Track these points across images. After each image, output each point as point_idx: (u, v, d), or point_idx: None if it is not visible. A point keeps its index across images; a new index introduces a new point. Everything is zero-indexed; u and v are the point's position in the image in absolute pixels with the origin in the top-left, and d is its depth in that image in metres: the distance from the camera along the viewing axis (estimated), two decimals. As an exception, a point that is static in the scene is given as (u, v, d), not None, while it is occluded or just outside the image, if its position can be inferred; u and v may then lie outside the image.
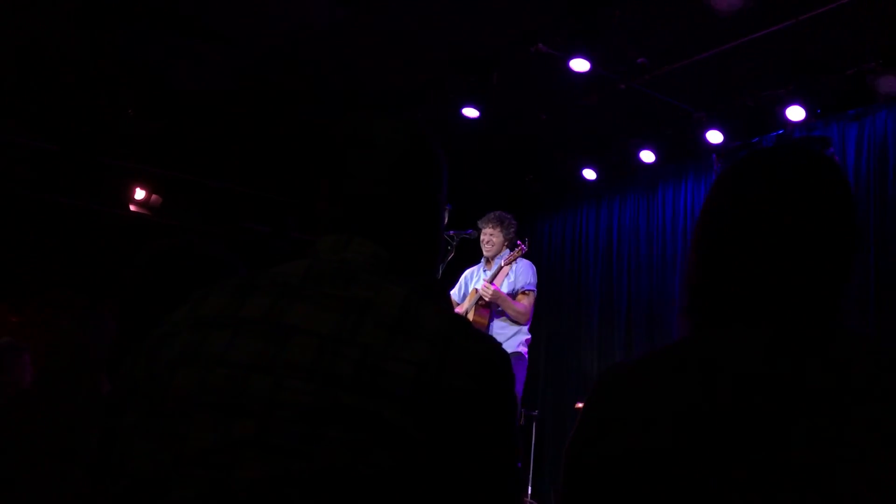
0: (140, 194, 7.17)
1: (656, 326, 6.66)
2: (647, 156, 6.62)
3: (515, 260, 5.08)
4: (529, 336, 5.13)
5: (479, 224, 5.21)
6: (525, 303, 5.04)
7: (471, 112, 5.97)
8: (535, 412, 6.57)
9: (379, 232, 1.18)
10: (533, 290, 5.10)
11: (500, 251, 5.17)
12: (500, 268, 5.07)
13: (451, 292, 5.36)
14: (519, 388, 4.95)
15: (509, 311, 4.98)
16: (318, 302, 1.05)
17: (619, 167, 7.00)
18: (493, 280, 5.05)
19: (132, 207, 7.19)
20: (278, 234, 7.53)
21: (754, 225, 1.06)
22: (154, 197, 7.20)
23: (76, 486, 1.75)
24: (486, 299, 4.95)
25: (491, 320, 5.02)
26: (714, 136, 6.08)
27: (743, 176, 1.12)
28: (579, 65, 5.17)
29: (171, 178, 7.22)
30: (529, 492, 6.21)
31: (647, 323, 6.77)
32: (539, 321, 5.64)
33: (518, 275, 5.09)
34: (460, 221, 5.14)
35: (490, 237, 5.15)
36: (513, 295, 5.06)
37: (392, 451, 0.95)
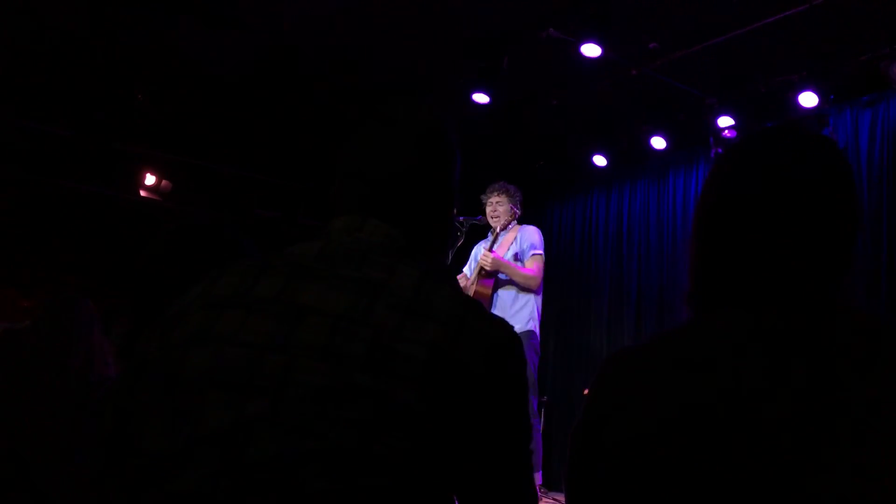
0: (150, 180, 7.17)
1: (666, 313, 6.64)
2: (658, 142, 6.59)
3: (514, 228, 4.94)
4: (540, 307, 4.92)
5: (484, 196, 5.05)
6: (533, 266, 4.83)
7: (481, 97, 5.94)
8: (545, 398, 6.58)
9: (392, 213, 1.18)
10: (540, 253, 4.89)
11: (508, 221, 5.00)
12: (497, 234, 4.90)
13: (464, 269, 5.23)
14: (533, 369, 4.82)
15: (515, 278, 4.78)
16: (331, 282, 1.05)
17: (630, 153, 6.97)
18: (494, 248, 4.88)
19: (143, 193, 7.20)
20: (289, 220, 7.54)
21: (752, 209, 1.05)
22: (164, 182, 7.21)
23: (81, 468, 1.76)
24: (487, 268, 4.77)
25: (495, 290, 4.83)
26: (726, 123, 6.04)
27: (740, 159, 1.12)
28: (590, 50, 5.14)
29: (182, 163, 7.23)
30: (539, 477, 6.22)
31: (657, 309, 6.76)
32: (548, 308, 5.62)
33: (523, 239, 4.92)
34: (470, 207, 5.12)
35: (496, 205, 4.97)
36: (520, 260, 4.89)
37: (404, 432, 0.95)
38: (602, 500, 1.00)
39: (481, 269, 4.84)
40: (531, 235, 4.96)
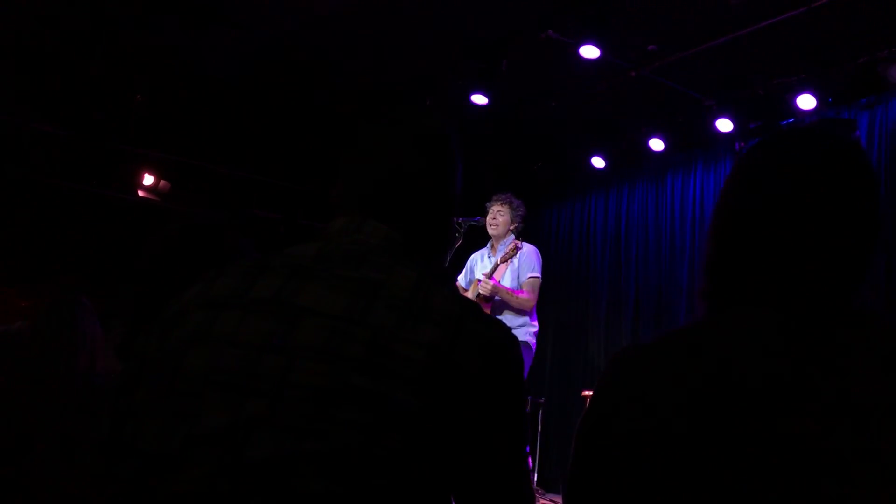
0: (149, 180, 7.17)
1: (664, 315, 6.65)
2: (657, 144, 6.60)
3: (514, 255, 4.97)
4: (537, 327, 5.03)
5: (488, 204, 5.12)
6: (527, 290, 4.95)
7: (480, 99, 5.95)
8: (542, 399, 6.58)
9: (392, 215, 1.18)
10: (537, 277, 4.99)
11: (505, 232, 5.06)
12: (497, 265, 4.99)
13: (458, 278, 5.31)
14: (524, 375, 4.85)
15: (511, 303, 4.90)
16: (329, 283, 1.05)
17: (628, 155, 6.98)
18: (493, 273, 4.96)
19: (141, 193, 7.19)
20: (288, 221, 7.53)
21: (773, 208, 1.04)
22: (163, 183, 7.21)
23: (78, 468, 1.76)
24: (485, 295, 4.88)
25: (492, 314, 4.90)
26: (724, 125, 6.05)
27: (765, 158, 1.11)
28: (589, 52, 5.15)
29: (181, 163, 7.23)
30: (535, 479, 6.22)
31: (654, 312, 6.76)
32: (546, 309, 5.64)
33: (522, 263, 5.00)
34: (468, 209, 5.12)
35: (497, 214, 5.05)
36: (518, 284, 4.98)
37: (402, 433, 0.95)
38: (608, 493, 0.99)
39: (478, 294, 4.93)
40: (529, 259, 5.03)
